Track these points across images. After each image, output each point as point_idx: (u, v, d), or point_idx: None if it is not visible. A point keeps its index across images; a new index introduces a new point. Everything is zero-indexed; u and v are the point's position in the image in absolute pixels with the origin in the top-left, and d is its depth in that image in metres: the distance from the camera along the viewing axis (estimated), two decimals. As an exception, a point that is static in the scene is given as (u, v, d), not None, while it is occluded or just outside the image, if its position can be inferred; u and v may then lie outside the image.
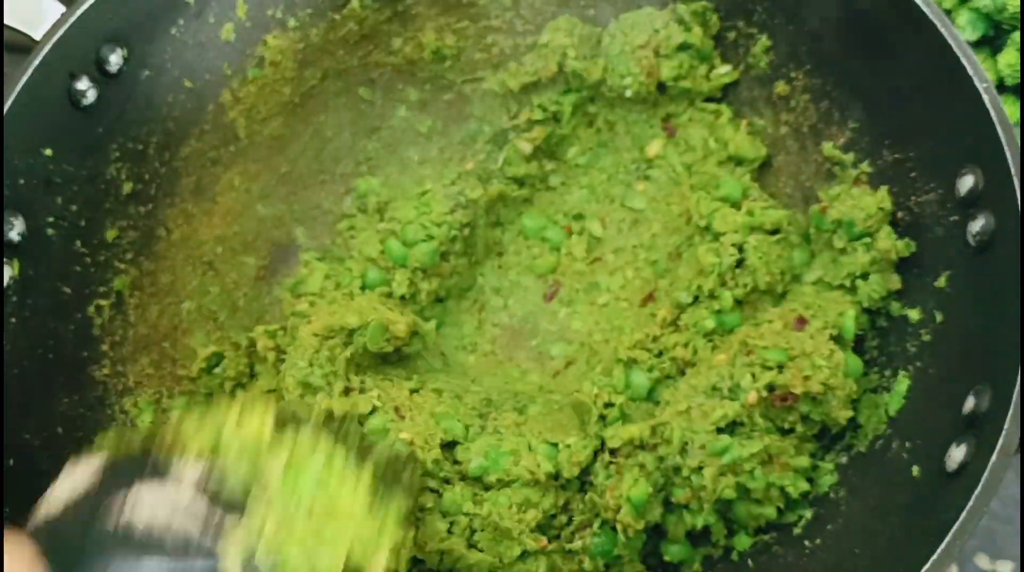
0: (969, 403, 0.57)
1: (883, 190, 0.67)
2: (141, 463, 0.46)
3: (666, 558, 0.67)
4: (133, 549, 0.42)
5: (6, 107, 0.63)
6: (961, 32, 0.69)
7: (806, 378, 0.62)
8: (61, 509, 0.45)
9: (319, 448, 0.51)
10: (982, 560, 0.77)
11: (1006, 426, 0.52)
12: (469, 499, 0.66)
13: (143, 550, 0.42)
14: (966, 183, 0.62)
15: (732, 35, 0.77)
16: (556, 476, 0.66)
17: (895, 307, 0.68)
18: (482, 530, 0.66)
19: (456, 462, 0.67)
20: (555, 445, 0.67)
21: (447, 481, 0.67)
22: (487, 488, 0.67)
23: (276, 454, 0.48)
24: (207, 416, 0.50)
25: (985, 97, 0.59)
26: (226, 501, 0.45)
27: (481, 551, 0.66)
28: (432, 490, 0.66)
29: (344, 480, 0.50)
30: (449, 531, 0.66)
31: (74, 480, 0.47)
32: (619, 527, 0.63)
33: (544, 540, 0.66)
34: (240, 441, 0.48)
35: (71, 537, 0.43)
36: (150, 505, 0.43)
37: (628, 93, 0.77)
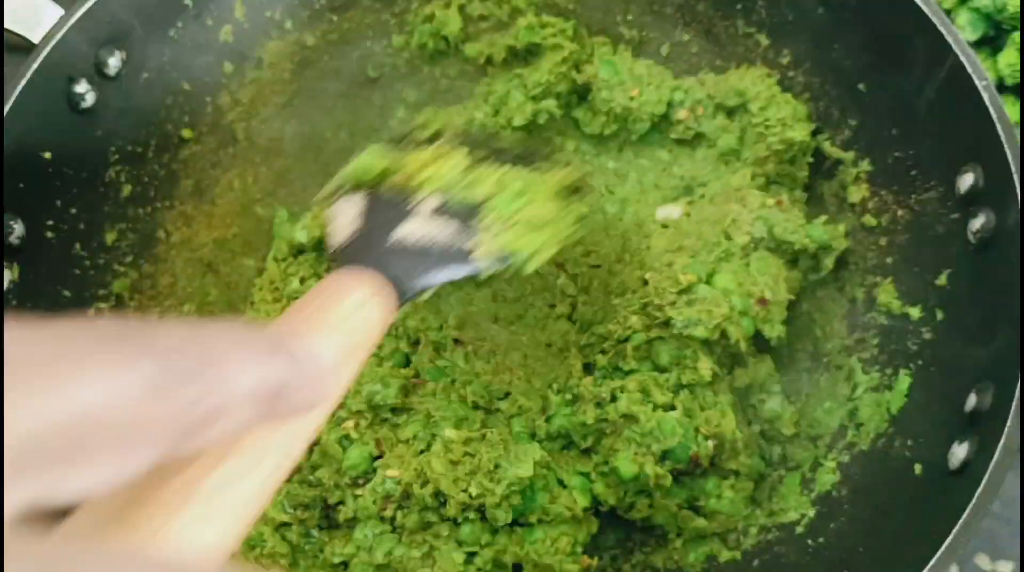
0: (971, 401, 0.57)
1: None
2: (392, 205, 0.58)
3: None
4: (410, 255, 0.55)
5: (4, 110, 0.63)
6: (961, 32, 0.69)
7: None
8: (349, 238, 0.56)
9: (513, 173, 0.62)
10: (983, 560, 0.77)
11: (1008, 423, 0.53)
12: (488, 532, 0.64)
13: (418, 255, 0.55)
14: (966, 181, 0.62)
15: (731, 33, 0.77)
16: (590, 508, 0.66)
17: (896, 305, 0.68)
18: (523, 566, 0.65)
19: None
20: (587, 475, 0.66)
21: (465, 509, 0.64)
22: (520, 524, 0.65)
23: (483, 182, 0.60)
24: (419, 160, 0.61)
25: (984, 95, 0.59)
26: (464, 220, 0.58)
27: None
28: (453, 521, 0.64)
29: (537, 194, 0.62)
30: (467, 562, 0.64)
31: (346, 217, 0.58)
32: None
33: (586, 558, 0.65)
34: (453, 176, 0.60)
35: (364, 254, 0.54)
36: (411, 232, 0.56)
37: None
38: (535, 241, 0.59)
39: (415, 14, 0.82)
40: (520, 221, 0.59)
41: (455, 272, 0.56)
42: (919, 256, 0.67)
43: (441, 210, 0.58)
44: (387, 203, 0.59)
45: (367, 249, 0.54)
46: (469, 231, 0.58)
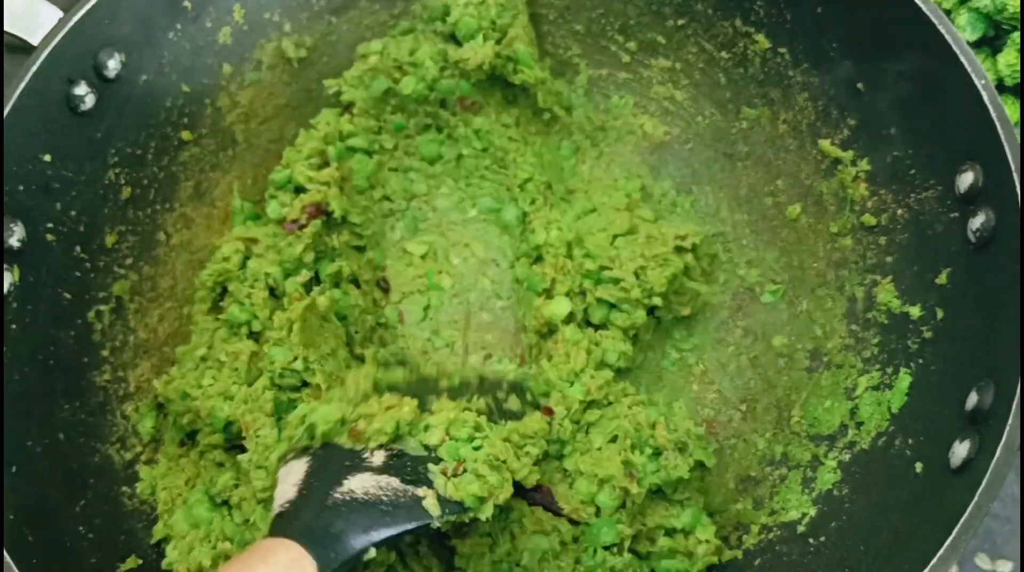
0: (972, 399, 0.57)
1: None
2: (339, 456, 0.59)
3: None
4: (360, 506, 0.54)
5: (4, 112, 0.63)
6: (961, 32, 0.69)
7: None
8: (295, 495, 0.56)
9: (464, 415, 0.63)
10: (982, 560, 0.77)
11: (1009, 422, 0.53)
12: None
13: (367, 507, 0.55)
14: (966, 180, 0.62)
15: (729, 33, 0.77)
16: None
17: (896, 304, 0.68)
18: None
19: None
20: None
21: None
22: None
23: (433, 430, 0.62)
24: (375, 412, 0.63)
25: (984, 94, 0.60)
26: (409, 476, 0.59)
27: None
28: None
29: (488, 436, 0.62)
30: None
31: (292, 478, 0.58)
32: None
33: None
34: (398, 424, 0.61)
35: (309, 515, 0.54)
36: (360, 484, 0.56)
37: None
38: (490, 483, 0.60)
39: (414, 15, 0.82)
40: (475, 463, 0.60)
41: (405, 523, 0.56)
42: (919, 255, 0.67)
43: (393, 459, 0.59)
44: (336, 457, 0.59)
45: (300, 516, 0.54)
46: (420, 479, 0.58)
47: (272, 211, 0.75)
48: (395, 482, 0.57)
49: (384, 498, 0.56)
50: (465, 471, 0.60)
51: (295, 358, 0.68)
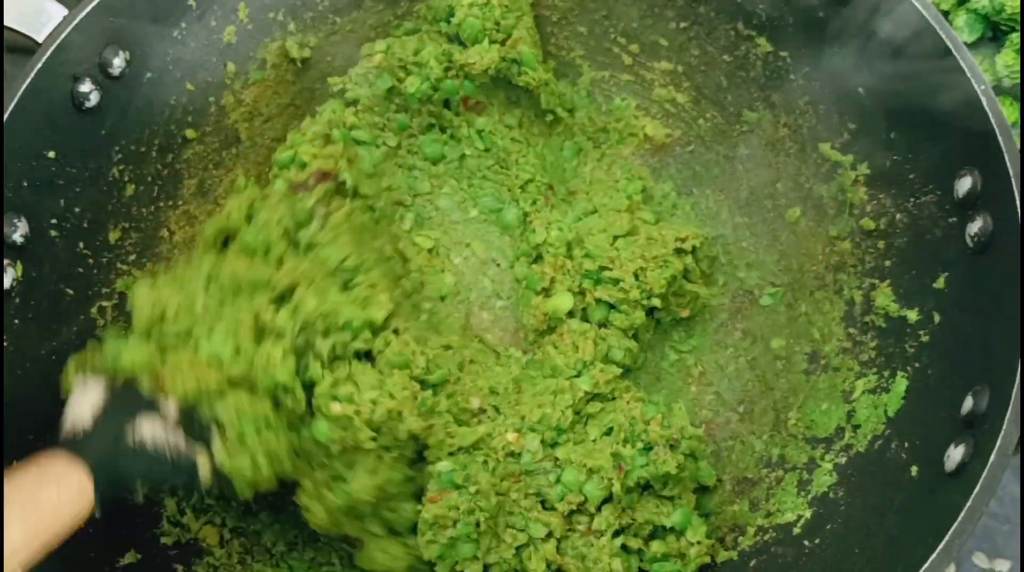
0: (968, 404, 0.57)
1: None
2: (137, 398, 0.62)
3: None
4: (147, 457, 0.60)
5: (8, 110, 0.63)
6: (959, 33, 0.69)
7: None
8: (90, 425, 0.60)
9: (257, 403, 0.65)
10: (980, 559, 0.77)
11: (1004, 426, 0.53)
12: None
13: (153, 459, 0.61)
14: (964, 185, 0.62)
15: (731, 36, 0.78)
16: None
17: (893, 308, 0.68)
18: None
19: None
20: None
21: None
22: None
23: (225, 402, 0.63)
24: (181, 361, 0.64)
25: (983, 99, 0.60)
26: (196, 434, 0.63)
27: None
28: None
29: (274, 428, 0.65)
30: None
31: (89, 399, 0.62)
32: None
33: None
34: (200, 389, 0.63)
35: (103, 450, 0.59)
36: (151, 432, 0.61)
37: None
38: (259, 469, 0.64)
39: (418, 16, 0.82)
40: (255, 450, 0.63)
41: (178, 481, 0.63)
42: (917, 259, 0.67)
43: (184, 415, 0.62)
44: (133, 398, 0.62)
45: (94, 447, 0.59)
46: (204, 439, 0.63)
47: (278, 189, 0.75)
48: (181, 441, 0.62)
49: (168, 456, 0.61)
50: (247, 451, 0.63)
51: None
